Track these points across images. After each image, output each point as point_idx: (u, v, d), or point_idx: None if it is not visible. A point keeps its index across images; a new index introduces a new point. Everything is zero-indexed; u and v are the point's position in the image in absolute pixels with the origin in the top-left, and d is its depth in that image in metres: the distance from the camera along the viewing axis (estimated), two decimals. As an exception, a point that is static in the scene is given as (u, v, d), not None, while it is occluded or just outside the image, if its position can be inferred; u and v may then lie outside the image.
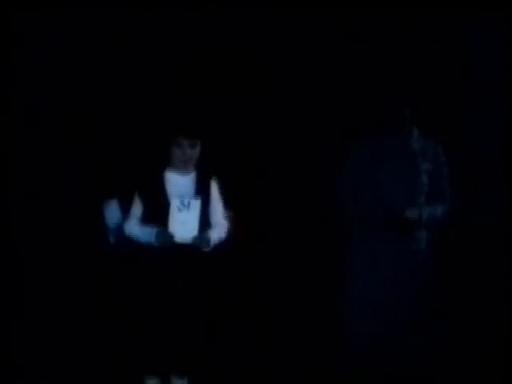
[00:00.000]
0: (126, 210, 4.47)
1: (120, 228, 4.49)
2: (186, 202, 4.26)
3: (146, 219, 4.35)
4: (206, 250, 4.32)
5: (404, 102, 4.44)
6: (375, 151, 4.49)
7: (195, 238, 4.26)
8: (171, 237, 4.24)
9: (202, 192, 4.36)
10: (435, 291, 4.51)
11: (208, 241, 4.30)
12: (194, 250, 4.28)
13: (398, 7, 5.10)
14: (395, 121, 4.46)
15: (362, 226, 4.49)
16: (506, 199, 5.12)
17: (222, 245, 4.40)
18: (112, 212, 4.66)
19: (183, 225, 4.25)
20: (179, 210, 4.25)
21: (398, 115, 4.45)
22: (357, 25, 5.21)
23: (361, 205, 4.49)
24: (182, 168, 4.38)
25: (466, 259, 5.12)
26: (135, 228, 4.36)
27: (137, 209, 4.38)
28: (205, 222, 4.32)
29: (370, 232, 4.46)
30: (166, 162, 4.39)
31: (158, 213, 4.29)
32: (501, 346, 4.86)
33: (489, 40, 5.22)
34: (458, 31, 5.22)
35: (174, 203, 4.26)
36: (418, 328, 4.44)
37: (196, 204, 4.26)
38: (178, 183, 4.37)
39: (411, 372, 4.43)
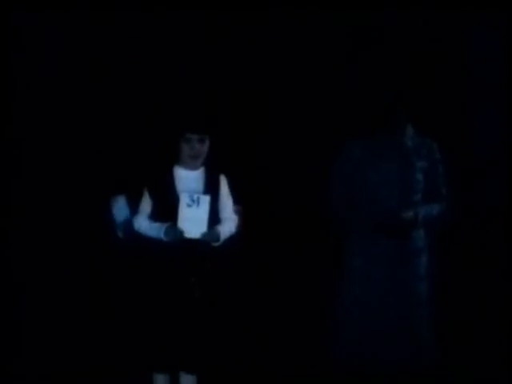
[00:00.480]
0: (134, 206, 4.44)
1: (128, 223, 4.46)
2: (195, 198, 4.24)
3: (155, 215, 4.33)
4: (216, 245, 4.30)
5: (398, 100, 4.41)
6: (368, 150, 4.46)
7: (205, 234, 4.24)
8: (180, 233, 4.22)
9: (211, 187, 4.35)
10: (433, 291, 4.49)
11: (217, 236, 4.29)
12: (204, 245, 4.26)
13: (393, 7, 5.14)
14: (389, 119, 4.43)
15: (359, 227, 4.47)
16: (506, 197, 5.15)
17: (232, 240, 4.38)
18: (120, 208, 4.63)
19: (192, 221, 4.23)
20: (188, 205, 4.23)
21: (391, 113, 4.42)
22: (352, 24, 5.23)
23: (356, 205, 4.47)
24: (191, 164, 4.36)
25: (465, 258, 5.13)
26: (144, 224, 4.33)
27: (146, 205, 4.36)
28: (214, 218, 4.30)
29: (367, 232, 4.44)
30: (174, 158, 4.37)
31: (167, 209, 4.27)
32: (502, 346, 4.86)
33: (485, 37, 5.25)
34: (454, 28, 5.22)
35: (183, 199, 4.24)
36: (416, 329, 4.43)
37: (205, 200, 4.25)
38: (187, 179, 4.35)
39: (409, 374, 4.41)
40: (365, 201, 4.45)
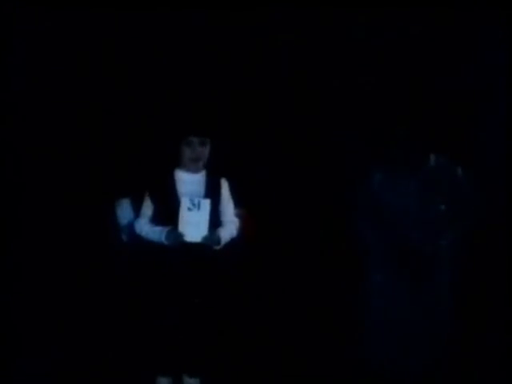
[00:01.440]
0: (138, 209, 4.44)
1: (132, 227, 4.46)
2: (195, 202, 4.23)
3: (156, 218, 4.33)
4: (217, 248, 4.30)
5: (416, 133, 4.31)
6: (389, 179, 4.39)
7: (205, 238, 4.24)
8: (181, 236, 4.22)
9: (212, 191, 4.35)
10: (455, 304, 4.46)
11: (218, 240, 4.28)
12: (205, 248, 4.26)
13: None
14: (410, 148, 4.33)
15: (381, 256, 4.40)
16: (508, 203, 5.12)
17: (233, 243, 4.38)
18: (124, 211, 4.66)
19: (193, 224, 4.22)
20: (189, 209, 4.23)
21: (412, 143, 4.32)
22: (347, 22, 5.21)
23: (379, 231, 4.40)
24: (192, 167, 4.36)
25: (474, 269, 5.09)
26: (145, 227, 4.34)
27: (147, 208, 4.36)
28: (215, 221, 4.30)
29: (389, 262, 4.37)
30: (176, 162, 4.37)
31: (168, 212, 4.27)
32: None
33: (487, 38, 5.22)
34: (456, 30, 5.20)
35: (184, 203, 4.23)
36: (437, 340, 4.40)
37: (206, 203, 4.24)
38: (188, 182, 4.35)
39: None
40: (387, 228, 4.37)
